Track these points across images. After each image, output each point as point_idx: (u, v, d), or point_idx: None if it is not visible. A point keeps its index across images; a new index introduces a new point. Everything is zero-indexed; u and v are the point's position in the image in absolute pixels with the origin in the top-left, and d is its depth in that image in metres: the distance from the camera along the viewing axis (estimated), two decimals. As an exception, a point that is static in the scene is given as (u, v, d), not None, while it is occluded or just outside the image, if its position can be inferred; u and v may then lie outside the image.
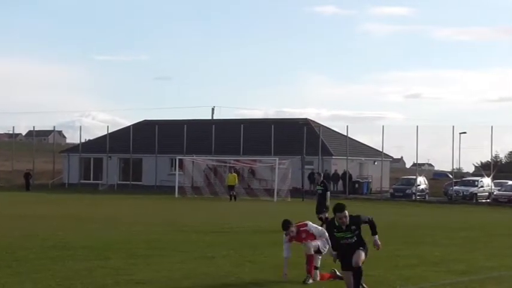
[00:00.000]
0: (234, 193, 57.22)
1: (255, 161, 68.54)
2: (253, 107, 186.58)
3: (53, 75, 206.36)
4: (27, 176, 74.95)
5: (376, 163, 75.47)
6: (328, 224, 15.03)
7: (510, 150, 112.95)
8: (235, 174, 59.79)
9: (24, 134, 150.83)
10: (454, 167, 74.04)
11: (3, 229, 26.45)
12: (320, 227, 16.60)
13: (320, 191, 29.52)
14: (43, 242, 21.99)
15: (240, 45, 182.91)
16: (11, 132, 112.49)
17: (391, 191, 67.17)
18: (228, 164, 68.77)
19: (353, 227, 14.17)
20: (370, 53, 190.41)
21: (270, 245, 22.59)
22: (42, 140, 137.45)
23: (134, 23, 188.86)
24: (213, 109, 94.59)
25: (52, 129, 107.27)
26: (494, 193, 61.69)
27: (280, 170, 61.42)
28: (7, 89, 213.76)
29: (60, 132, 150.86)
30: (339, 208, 14.17)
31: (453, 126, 65.97)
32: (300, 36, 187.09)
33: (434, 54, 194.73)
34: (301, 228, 15.80)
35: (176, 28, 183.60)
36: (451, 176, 73.37)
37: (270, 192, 60.32)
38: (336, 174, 71.14)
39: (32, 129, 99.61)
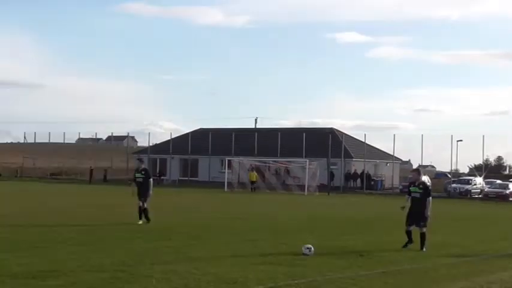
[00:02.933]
0: (254, 187, 60.01)
1: (289, 162, 68.50)
2: (289, 118, 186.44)
3: (129, 91, 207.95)
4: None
5: (388, 165, 75.12)
6: None
7: (498, 155, 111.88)
8: (255, 173, 61.45)
9: (104, 138, 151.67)
10: (452, 168, 73.63)
11: (88, 216, 26.71)
12: None
13: (418, 195, 17.85)
14: (118, 226, 22.15)
15: (278, 67, 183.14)
16: (94, 137, 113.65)
17: (401, 187, 66.71)
18: (268, 164, 68.86)
19: None
20: (384, 74, 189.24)
21: (301, 230, 22.57)
22: (118, 144, 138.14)
23: (192, 50, 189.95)
24: (256, 120, 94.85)
25: (126, 135, 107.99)
26: (485, 190, 61.20)
27: (310, 169, 61.36)
28: (92, 103, 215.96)
29: (133, 138, 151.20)
30: None
31: (452, 135, 65.83)
32: (328, 58, 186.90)
33: (437, 75, 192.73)
34: None
35: (226, 53, 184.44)
36: (449, 176, 72.90)
37: (301, 187, 60.24)
38: (355, 173, 70.91)
39: (111, 134, 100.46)
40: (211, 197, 48.56)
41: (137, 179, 23.40)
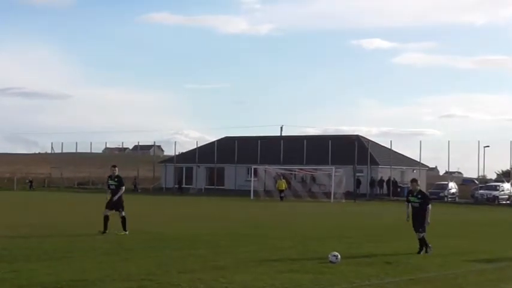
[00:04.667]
0: (283, 195, 59.26)
1: (315, 169, 68.39)
2: (314, 125, 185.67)
3: (154, 101, 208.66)
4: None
5: (414, 171, 74.58)
6: None
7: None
8: (284, 181, 61.27)
9: (130, 148, 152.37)
10: (480, 174, 73.00)
11: (113, 225, 26.81)
12: None
13: (417, 204, 18.55)
14: (145, 235, 22.21)
15: (304, 75, 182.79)
16: (120, 146, 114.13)
17: (427, 194, 66.29)
18: (294, 172, 68.78)
19: None
20: (410, 80, 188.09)
21: (328, 238, 22.52)
22: (145, 153, 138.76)
23: (217, 59, 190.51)
24: (281, 127, 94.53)
25: (153, 144, 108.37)
26: (513, 196, 60.74)
27: (336, 176, 61.20)
28: (118, 113, 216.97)
29: (159, 147, 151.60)
30: None
31: (478, 141, 65.22)
32: (353, 65, 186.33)
33: (463, 81, 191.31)
34: None
35: (251, 62, 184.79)
36: (477, 182, 72.39)
37: (327, 195, 60.10)
38: (381, 180, 70.60)
39: (137, 144, 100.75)
40: (237, 205, 48.58)
41: (110, 186, 22.26)
